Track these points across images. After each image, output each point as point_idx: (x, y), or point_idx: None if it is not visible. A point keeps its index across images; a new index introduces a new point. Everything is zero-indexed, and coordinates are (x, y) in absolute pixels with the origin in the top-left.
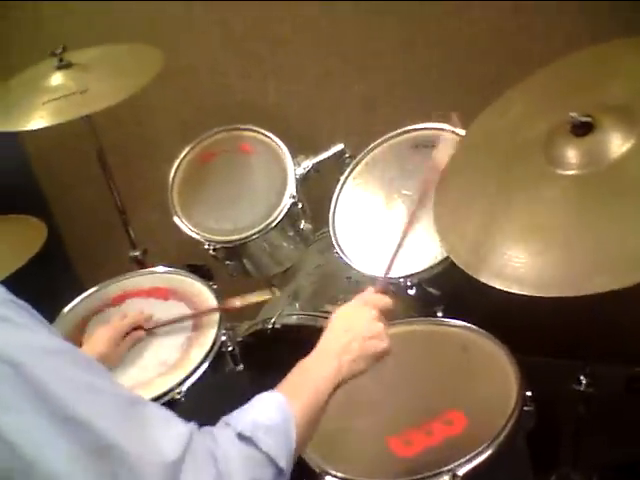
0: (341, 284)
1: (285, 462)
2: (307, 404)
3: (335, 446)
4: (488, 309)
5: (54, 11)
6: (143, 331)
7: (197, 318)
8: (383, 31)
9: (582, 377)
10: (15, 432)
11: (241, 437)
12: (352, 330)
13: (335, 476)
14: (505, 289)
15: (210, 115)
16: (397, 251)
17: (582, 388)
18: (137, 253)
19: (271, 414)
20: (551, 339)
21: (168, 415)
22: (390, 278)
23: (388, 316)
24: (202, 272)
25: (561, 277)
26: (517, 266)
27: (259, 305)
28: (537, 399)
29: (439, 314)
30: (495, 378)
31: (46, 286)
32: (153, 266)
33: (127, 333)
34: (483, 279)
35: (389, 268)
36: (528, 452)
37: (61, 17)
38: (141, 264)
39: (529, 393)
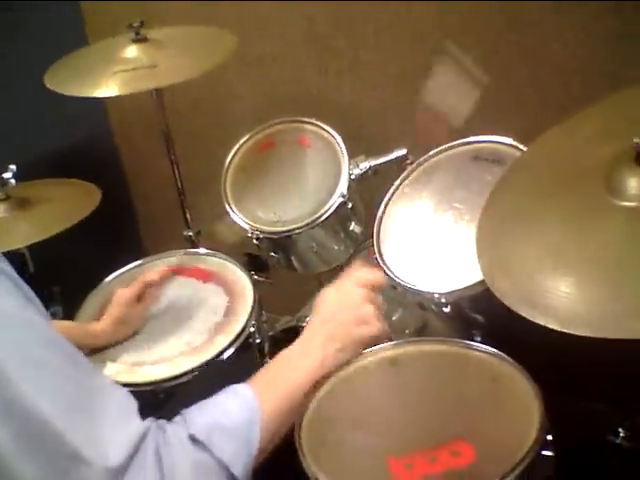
0: (386, 292)
1: (241, 469)
2: (282, 398)
3: (333, 456)
4: (530, 343)
5: None
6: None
7: (231, 304)
8: (466, 38)
9: (620, 429)
10: None
11: (194, 440)
12: (338, 316)
13: None
14: (529, 317)
15: (284, 106)
16: None
17: (619, 441)
18: (190, 233)
19: (233, 413)
20: (596, 384)
21: (128, 410)
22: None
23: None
24: (258, 262)
25: (599, 316)
26: (551, 297)
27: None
28: (565, 446)
29: (477, 339)
30: (517, 416)
31: (112, 251)
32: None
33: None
34: (508, 303)
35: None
36: None
37: None
38: (194, 244)
39: (550, 437)
